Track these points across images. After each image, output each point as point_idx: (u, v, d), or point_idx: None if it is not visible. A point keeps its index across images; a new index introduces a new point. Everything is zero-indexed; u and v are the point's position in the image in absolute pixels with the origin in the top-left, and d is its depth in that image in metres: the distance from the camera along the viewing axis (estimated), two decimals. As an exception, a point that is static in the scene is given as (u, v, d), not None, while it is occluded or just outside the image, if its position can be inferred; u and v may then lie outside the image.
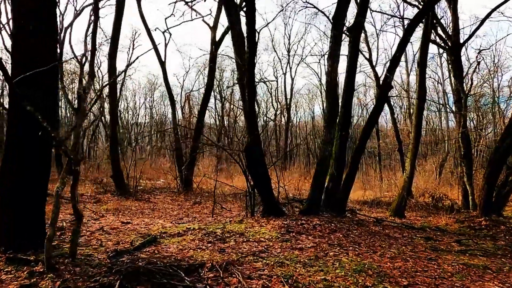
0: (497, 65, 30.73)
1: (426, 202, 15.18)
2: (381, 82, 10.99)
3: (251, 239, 6.82)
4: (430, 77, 31.48)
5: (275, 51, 40.54)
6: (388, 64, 10.14)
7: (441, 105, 33.63)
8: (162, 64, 17.16)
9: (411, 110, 30.68)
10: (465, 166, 15.21)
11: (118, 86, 33.20)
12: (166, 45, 18.36)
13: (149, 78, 40.03)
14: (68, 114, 34.13)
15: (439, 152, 34.03)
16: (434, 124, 38.25)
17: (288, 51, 35.54)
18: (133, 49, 33.18)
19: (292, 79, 36.28)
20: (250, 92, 7.83)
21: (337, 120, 10.51)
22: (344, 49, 11.73)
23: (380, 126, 38.30)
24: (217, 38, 18.06)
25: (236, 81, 8.70)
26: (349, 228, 8.03)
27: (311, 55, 33.40)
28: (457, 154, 30.18)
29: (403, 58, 29.79)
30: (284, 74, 36.51)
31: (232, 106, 42.15)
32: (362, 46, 21.90)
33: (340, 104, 10.38)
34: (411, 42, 22.83)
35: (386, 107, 31.62)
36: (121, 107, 47.26)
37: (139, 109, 47.34)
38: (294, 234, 7.31)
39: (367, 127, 10.22)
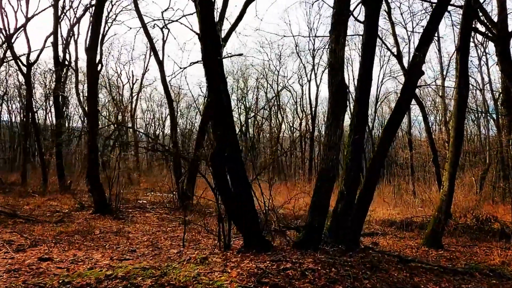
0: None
1: (469, 225, 11.96)
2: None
3: (192, 300, 4.16)
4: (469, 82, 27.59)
5: (299, 57, 37.71)
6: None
7: (480, 113, 29.79)
8: (160, 63, 14.92)
9: (447, 118, 27.22)
10: (518, 181, 11.93)
11: (134, 95, 31.41)
12: (164, 41, 16.28)
13: (173, 88, 37.73)
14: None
15: (479, 163, 30.15)
16: (472, 133, 34.23)
17: (313, 57, 32.74)
18: (150, 55, 31.22)
19: (317, 86, 33.14)
20: (208, 70, 5.19)
21: (348, 119, 7.82)
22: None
23: (414, 136, 34.82)
24: (223, 35, 15.69)
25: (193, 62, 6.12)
26: (358, 276, 5.16)
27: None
28: (499, 165, 26.42)
29: (436, 59, 26.42)
30: (309, 81, 33.64)
31: (256, 115, 39.72)
32: (393, 48, 18.92)
33: (353, 98, 7.64)
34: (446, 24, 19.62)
35: (418, 110, 27.89)
36: (146, 118, 45.82)
37: (165, 120, 45.45)
38: (268, 287, 4.59)
39: (390, 126, 7.33)
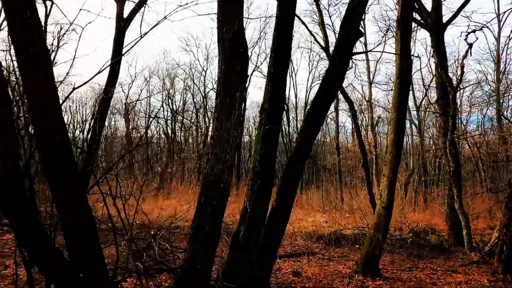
0: (457, 81, 26.66)
1: (404, 239, 10.08)
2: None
3: None
4: (387, 90, 26.47)
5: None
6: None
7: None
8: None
9: (374, 122, 26.21)
10: (455, 188, 10.25)
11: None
12: (47, 16, 12.67)
13: (92, 88, 32.36)
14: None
15: (401, 167, 29.65)
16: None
17: (241, 58, 30.35)
18: (57, 47, 26.38)
19: (246, 89, 30.74)
20: None
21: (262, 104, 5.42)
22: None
23: (341, 142, 33.81)
24: (125, 15, 12.78)
25: None
26: None
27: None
28: (421, 171, 25.84)
29: (364, 66, 25.41)
30: (237, 83, 31.13)
31: (183, 119, 36.53)
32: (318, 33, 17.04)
33: (269, 77, 5.17)
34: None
35: (345, 117, 26.44)
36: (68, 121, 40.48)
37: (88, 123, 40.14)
38: None
39: (315, 111, 4.97)
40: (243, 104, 3.92)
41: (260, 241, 4.63)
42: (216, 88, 3.93)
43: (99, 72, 4.42)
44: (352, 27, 4.55)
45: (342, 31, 4.69)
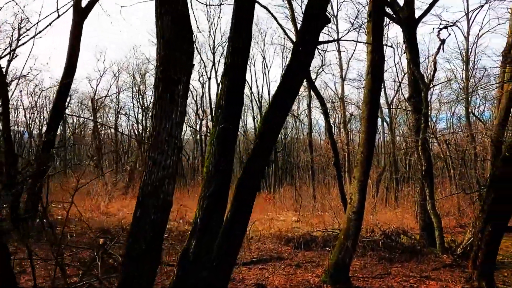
0: (429, 78, 26.74)
1: (375, 241, 9.67)
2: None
3: None
4: (359, 87, 26.22)
5: (199, 53, 33.77)
6: None
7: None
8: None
9: (346, 120, 25.97)
10: (427, 188, 9.91)
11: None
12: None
13: (55, 84, 30.02)
14: None
15: (373, 165, 29.59)
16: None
17: (213, 53, 29.61)
18: (18, 40, 24.78)
19: (218, 85, 30.01)
20: None
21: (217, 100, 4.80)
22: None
23: (314, 139, 33.52)
24: (84, 4, 11.83)
25: None
26: None
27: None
28: (392, 168, 25.81)
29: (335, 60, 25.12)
30: (209, 79, 30.34)
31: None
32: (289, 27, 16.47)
33: (225, 69, 4.53)
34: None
35: (318, 114, 26.06)
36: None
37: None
38: None
39: (278, 100, 4.40)
40: (186, 100, 3.25)
41: (215, 249, 4.00)
42: (154, 79, 3.27)
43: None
44: (316, 10, 3.97)
45: (306, 15, 4.10)
